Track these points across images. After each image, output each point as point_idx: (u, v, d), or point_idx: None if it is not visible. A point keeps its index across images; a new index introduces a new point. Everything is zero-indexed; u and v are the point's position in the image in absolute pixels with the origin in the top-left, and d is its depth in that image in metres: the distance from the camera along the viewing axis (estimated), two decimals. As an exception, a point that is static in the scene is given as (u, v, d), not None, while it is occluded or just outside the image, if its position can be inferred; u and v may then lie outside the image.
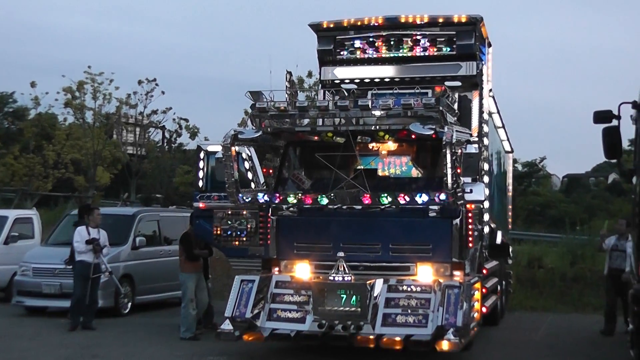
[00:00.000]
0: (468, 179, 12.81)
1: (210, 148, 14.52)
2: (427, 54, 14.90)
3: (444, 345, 11.58)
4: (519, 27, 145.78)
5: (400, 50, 15.02)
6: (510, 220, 21.37)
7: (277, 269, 13.51)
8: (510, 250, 18.93)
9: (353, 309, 12.27)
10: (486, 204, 14.15)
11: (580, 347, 14.74)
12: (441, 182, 12.13)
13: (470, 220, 12.79)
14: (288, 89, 13.21)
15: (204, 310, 15.50)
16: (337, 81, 15.41)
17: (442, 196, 11.98)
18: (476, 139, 14.00)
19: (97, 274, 16.00)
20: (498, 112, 16.84)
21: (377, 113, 12.65)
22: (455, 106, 13.54)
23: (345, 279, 12.30)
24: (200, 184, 14.69)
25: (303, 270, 13.23)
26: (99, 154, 39.18)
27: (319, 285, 12.54)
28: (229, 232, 13.86)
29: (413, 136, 12.62)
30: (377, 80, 15.10)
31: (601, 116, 11.65)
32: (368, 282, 12.40)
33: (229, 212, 13.73)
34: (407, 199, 12.28)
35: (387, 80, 15.04)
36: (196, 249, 15.36)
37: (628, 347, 11.83)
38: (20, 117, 48.48)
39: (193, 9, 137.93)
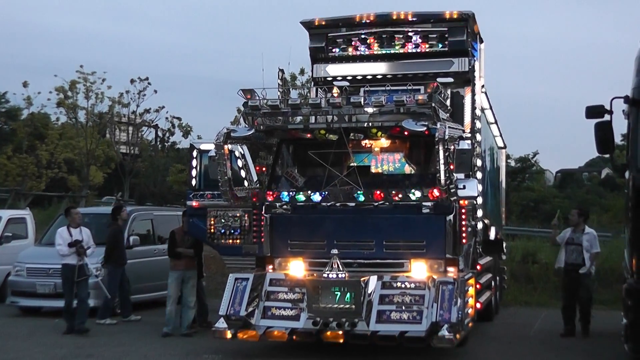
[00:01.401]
0: (461, 175, 12.82)
1: (203, 146, 14.50)
2: (419, 50, 14.95)
3: (439, 341, 11.61)
4: (510, 23, 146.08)
5: (392, 47, 15.06)
6: (504, 216, 21.43)
7: (271, 266, 13.51)
8: (504, 245, 18.95)
9: (347, 306, 12.28)
10: (479, 200, 14.18)
11: (574, 342, 14.75)
12: (434, 179, 12.14)
13: (463, 217, 12.81)
14: (280, 86, 13.21)
15: (189, 309, 15.46)
16: (329, 78, 15.44)
17: (435, 192, 11.99)
18: (469, 135, 14.01)
19: (82, 276, 15.50)
20: (490, 108, 16.87)
21: (370, 110, 12.67)
22: (448, 102, 13.58)
23: (340, 276, 12.31)
24: (194, 182, 14.68)
25: (297, 268, 13.23)
26: (92, 153, 39.07)
27: (313, 282, 12.54)
28: (222, 231, 13.88)
29: (406, 133, 12.64)
30: (369, 77, 15.16)
31: (593, 111, 11.69)
32: (362, 279, 12.41)
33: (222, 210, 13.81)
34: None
35: (379, 77, 15.11)
36: (179, 248, 15.38)
37: (622, 341, 11.86)
38: (12, 117, 48.33)
39: (185, 8, 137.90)
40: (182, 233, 15.52)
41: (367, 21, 15.12)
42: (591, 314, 15.37)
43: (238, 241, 13.85)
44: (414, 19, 14.93)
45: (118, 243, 17.00)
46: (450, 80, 14.75)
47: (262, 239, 13.52)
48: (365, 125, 13.09)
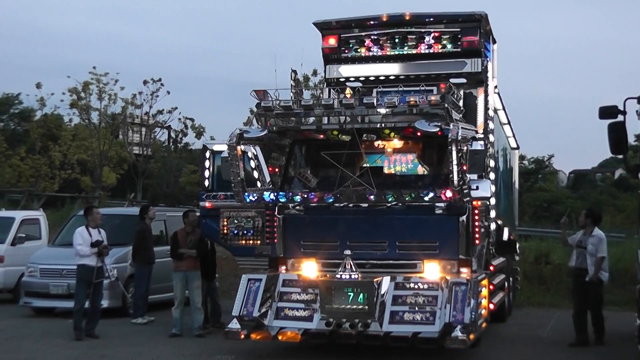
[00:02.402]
0: (474, 176, 12.79)
1: (216, 147, 14.56)
2: (431, 51, 14.90)
3: (452, 342, 11.60)
4: (523, 23, 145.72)
5: (405, 48, 15.03)
6: (517, 216, 21.37)
7: (284, 267, 13.55)
8: (517, 246, 18.90)
9: (360, 306, 12.29)
10: (492, 201, 14.15)
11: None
12: (447, 180, 12.13)
13: (476, 217, 12.82)
14: (293, 87, 13.22)
15: (197, 310, 15.47)
16: (342, 79, 15.42)
17: (448, 193, 11.98)
18: (482, 135, 13.99)
19: (99, 278, 15.18)
20: (503, 109, 16.83)
21: (383, 111, 12.66)
22: (461, 103, 13.53)
23: (352, 277, 12.32)
24: (207, 183, 14.74)
25: (310, 269, 13.25)
26: (105, 154, 39.24)
27: (326, 283, 12.55)
28: (235, 231, 13.91)
29: (419, 134, 12.60)
30: (382, 78, 15.12)
31: (607, 112, 11.68)
32: (375, 279, 12.42)
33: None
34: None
35: (392, 77, 15.07)
36: (182, 248, 15.41)
37: (636, 342, 11.83)
38: (26, 118, 48.51)
39: (198, 9, 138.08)
40: (185, 234, 15.56)
41: (380, 22, 15.11)
42: (604, 320, 14.44)
43: (251, 242, 13.88)
44: (426, 20, 14.91)
45: (144, 241, 17.09)
46: (463, 80, 14.70)
47: (275, 240, 13.54)
48: (378, 126, 13.08)
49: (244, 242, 13.97)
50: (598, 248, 14.10)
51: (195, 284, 15.50)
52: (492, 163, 14.44)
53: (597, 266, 14.05)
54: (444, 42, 14.82)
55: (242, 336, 12.59)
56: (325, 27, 15.42)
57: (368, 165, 13.55)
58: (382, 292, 12.37)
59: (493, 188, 14.00)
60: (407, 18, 14.92)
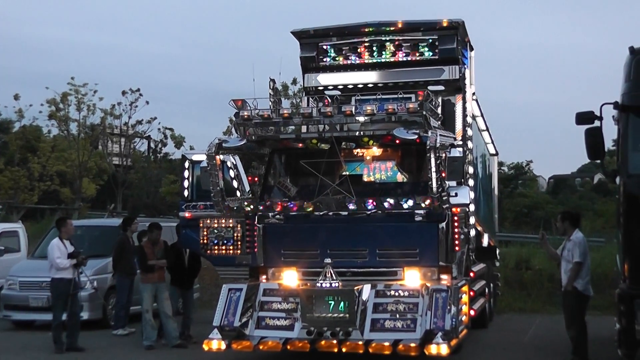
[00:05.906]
0: (453, 183, 12.82)
1: (195, 157, 14.49)
2: (409, 58, 14.96)
3: (433, 349, 11.59)
4: (500, 30, 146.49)
5: (383, 56, 15.09)
6: (496, 222, 21.43)
7: (264, 276, 13.51)
8: (497, 252, 18.95)
9: (341, 315, 12.26)
10: (472, 207, 14.18)
11: (568, 348, 14.71)
12: (426, 187, 12.15)
13: (456, 224, 12.83)
14: (272, 96, 13.21)
15: (169, 319, 15.27)
16: (320, 88, 15.44)
17: (427, 201, 12.01)
18: (460, 142, 14.02)
19: (75, 290, 14.91)
20: (482, 115, 16.89)
21: (361, 119, 12.68)
22: (439, 110, 13.61)
23: (333, 285, 12.29)
24: (186, 193, 14.66)
25: (291, 278, 13.22)
26: (84, 165, 39.16)
27: (307, 292, 12.52)
28: (215, 241, 13.86)
29: (397, 141, 12.64)
30: (360, 86, 15.15)
31: (583, 117, 11.69)
32: (356, 288, 12.39)
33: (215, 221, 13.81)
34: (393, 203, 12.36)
35: (370, 85, 15.10)
36: (152, 260, 15.33)
37: (616, 346, 11.86)
38: (4, 130, 48.36)
39: (175, 19, 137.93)
40: (150, 245, 15.49)
41: (358, 30, 15.14)
42: (585, 338, 12.90)
43: (231, 251, 13.84)
44: (404, 28, 14.95)
45: (124, 252, 16.96)
46: (441, 88, 14.77)
47: (255, 249, 13.51)
48: (356, 134, 13.09)
49: (224, 251, 13.92)
50: (573, 253, 12.67)
51: (165, 295, 15.36)
52: (471, 169, 14.47)
53: (571, 273, 12.66)
54: (422, 49, 14.88)
55: (223, 346, 12.54)
56: (303, 36, 15.44)
57: (347, 173, 13.56)
58: (363, 300, 12.35)
59: (472, 194, 14.05)
60: (385, 26, 14.97)
